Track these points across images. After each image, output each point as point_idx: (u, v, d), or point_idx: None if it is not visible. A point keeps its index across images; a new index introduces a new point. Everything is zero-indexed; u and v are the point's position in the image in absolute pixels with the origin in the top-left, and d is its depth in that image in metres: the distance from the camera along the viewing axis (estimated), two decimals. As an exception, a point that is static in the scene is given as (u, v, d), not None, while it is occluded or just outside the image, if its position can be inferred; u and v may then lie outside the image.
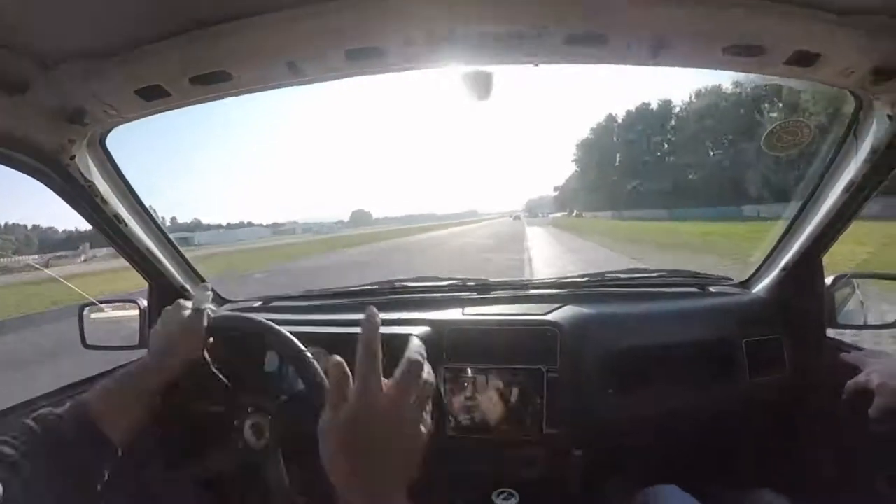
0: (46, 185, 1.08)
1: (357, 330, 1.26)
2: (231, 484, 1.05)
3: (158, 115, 1.05)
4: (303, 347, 0.99)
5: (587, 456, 1.17)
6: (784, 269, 1.28)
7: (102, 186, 1.13)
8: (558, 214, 72.63)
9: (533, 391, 1.17)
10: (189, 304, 1.03)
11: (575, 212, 63.67)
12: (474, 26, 0.78)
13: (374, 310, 0.59)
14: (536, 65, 0.88)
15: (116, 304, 1.40)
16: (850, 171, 1.05)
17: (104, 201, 1.14)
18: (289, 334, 1.01)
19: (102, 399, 0.83)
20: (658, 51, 0.86)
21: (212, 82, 0.93)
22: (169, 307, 1.02)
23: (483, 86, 0.89)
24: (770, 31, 0.82)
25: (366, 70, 0.90)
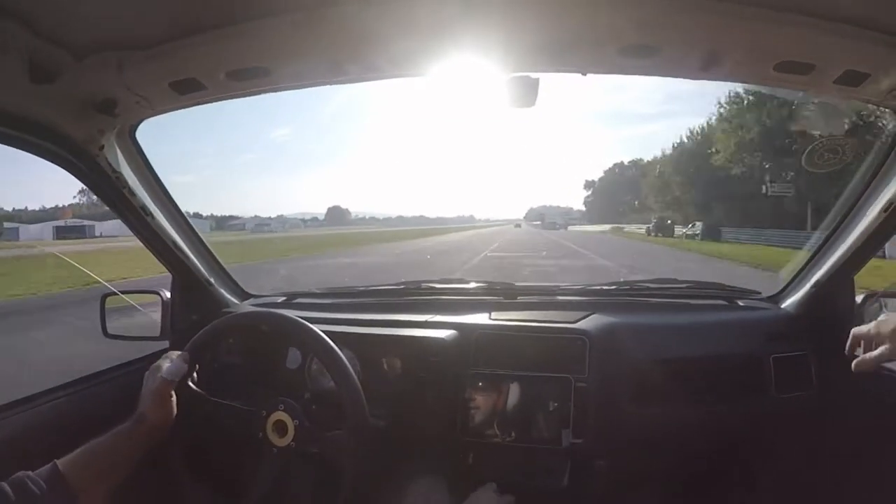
0: (74, 174, 1.07)
1: (382, 330, 1.27)
2: (251, 482, 1.05)
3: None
4: (338, 350, 0.99)
5: (611, 467, 1.17)
6: (815, 285, 1.28)
7: (130, 178, 1.12)
8: (595, 228, 40.02)
9: (560, 400, 1.16)
10: (164, 366, 0.99)
11: (687, 229, 24.58)
12: (529, 34, 0.76)
13: None
14: (585, 73, 0.86)
15: (138, 293, 1.39)
16: (889, 191, 1.04)
17: (132, 193, 1.13)
18: (324, 335, 1.00)
19: (82, 471, 0.82)
20: (709, 64, 0.85)
21: (250, 77, 0.92)
22: (147, 372, 0.99)
23: (529, 92, 0.88)
24: (823, 50, 0.82)
25: (408, 73, 0.88)
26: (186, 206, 1.30)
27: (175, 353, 1.03)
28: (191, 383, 1.02)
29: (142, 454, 0.92)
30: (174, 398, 0.97)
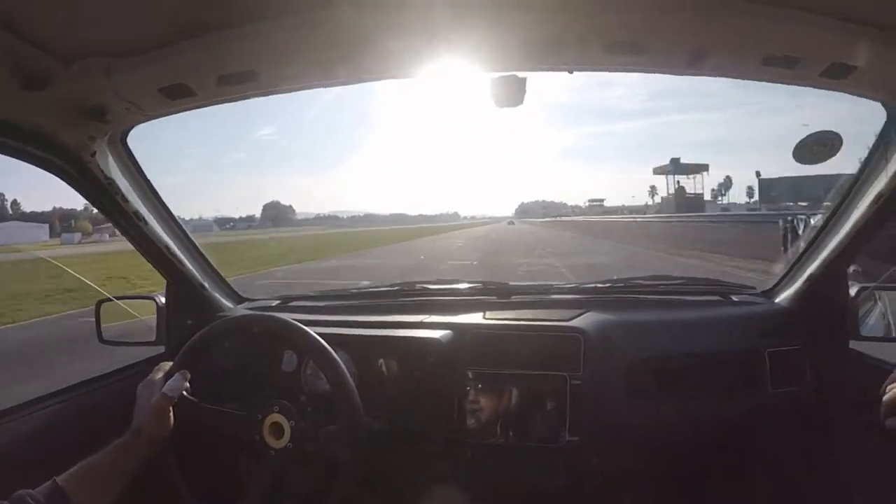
0: (66, 181, 1.07)
1: (377, 332, 1.27)
2: (249, 486, 1.05)
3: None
4: (332, 351, 0.99)
5: (607, 465, 1.17)
6: (808, 279, 1.28)
7: (122, 184, 1.12)
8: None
9: (555, 398, 1.17)
10: (160, 379, 0.99)
11: None
12: (516, 33, 0.77)
13: None
14: (571, 71, 0.87)
15: (133, 299, 1.39)
16: (879, 183, 1.04)
17: (124, 199, 1.13)
18: (318, 337, 1.01)
19: (81, 487, 0.82)
20: (696, 60, 0.85)
21: (240, 82, 0.92)
22: (141, 385, 0.99)
23: (516, 92, 0.88)
24: (810, 44, 0.82)
25: (398, 74, 0.89)
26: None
27: (167, 364, 1.03)
28: (184, 392, 1.01)
29: (139, 467, 0.92)
30: (171, 412, 0.97)
